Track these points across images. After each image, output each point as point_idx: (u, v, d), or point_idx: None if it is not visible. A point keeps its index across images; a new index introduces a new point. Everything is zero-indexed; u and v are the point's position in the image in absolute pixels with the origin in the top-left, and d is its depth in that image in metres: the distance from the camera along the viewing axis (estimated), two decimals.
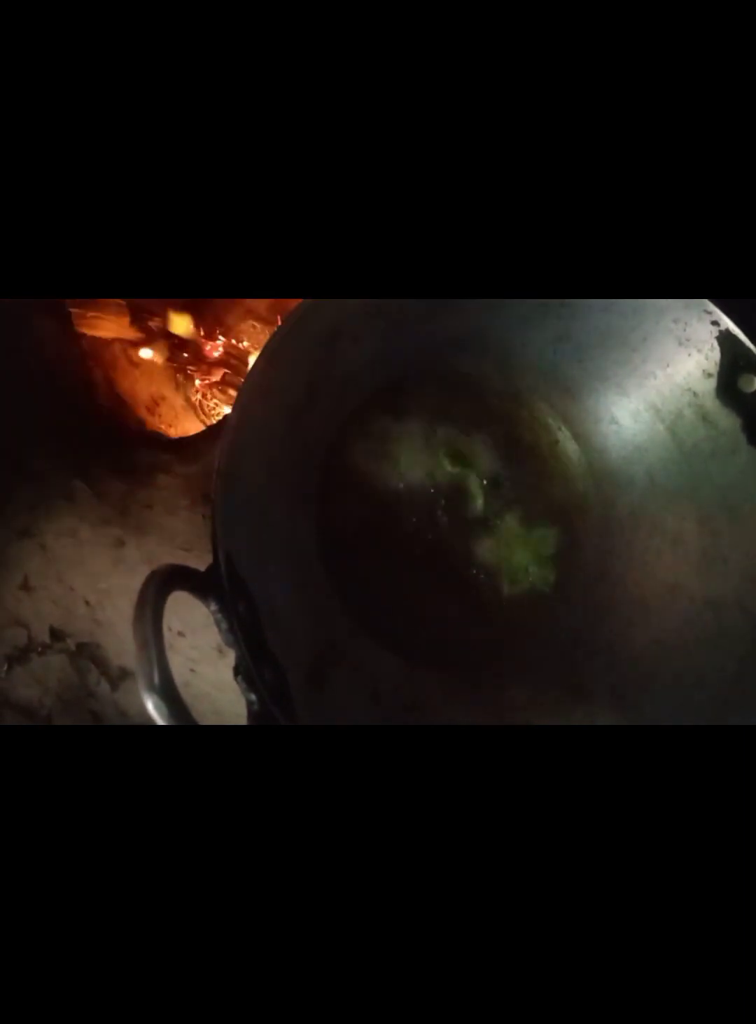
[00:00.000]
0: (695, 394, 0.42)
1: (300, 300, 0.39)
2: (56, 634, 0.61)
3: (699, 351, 0.41)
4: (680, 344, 0.41)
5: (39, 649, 0.60)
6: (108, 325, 0.79)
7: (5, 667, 0.60)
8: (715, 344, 0.40)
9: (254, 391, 0.39)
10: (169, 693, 0.29)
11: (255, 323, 0.93)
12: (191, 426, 0.94)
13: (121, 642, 0.60)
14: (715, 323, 0.39)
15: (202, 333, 0.93)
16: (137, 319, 0.83)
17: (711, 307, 0.39)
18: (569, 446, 0.50)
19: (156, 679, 0.28)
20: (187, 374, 0.96)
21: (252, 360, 0.40)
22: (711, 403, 0.41)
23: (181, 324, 0.89)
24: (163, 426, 0.88)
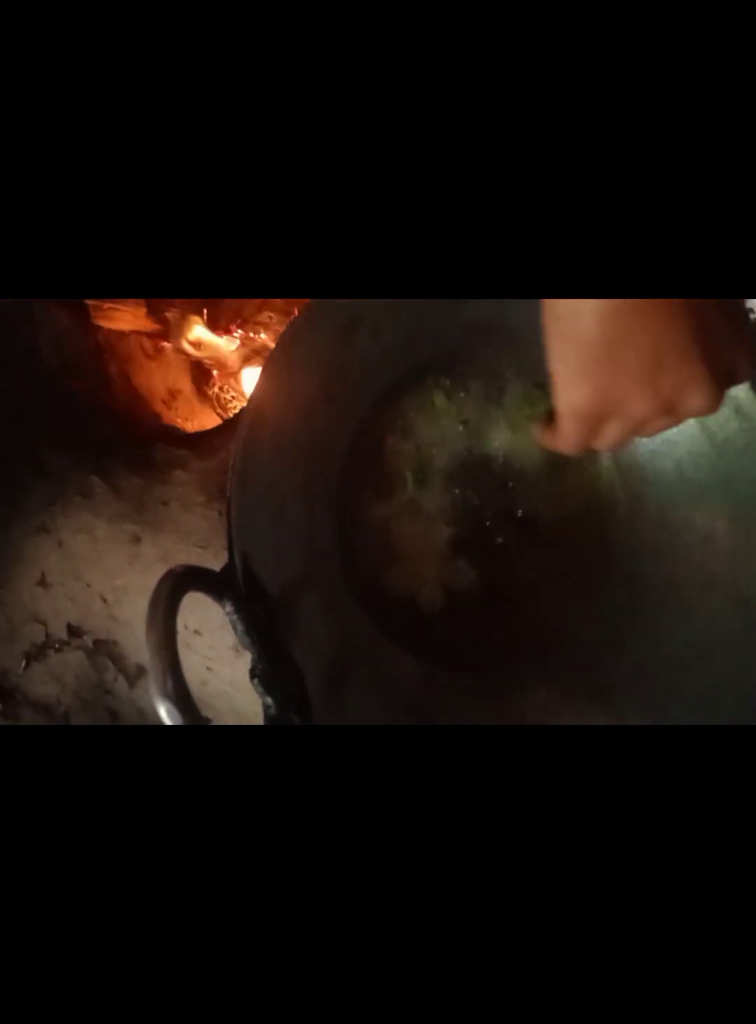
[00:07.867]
0: None
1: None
2: (73, 631, 0.61)
3: None
4: None
5: (57, 646, 0.60)
6: (124, 318, 0.78)
7: (23, 664, 0.60)
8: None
9: (270, 385, 0.38)
10: (182, 699, 0.28)
11: (271, 314, 0.92)
12: (208, 420, 0.94)
13: (138, 639, 0.60)
14: (749, 310, 0.37)
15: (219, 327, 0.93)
16: (153, 311, 0.82)
17: None
18: None
19: (169, 685, 0.28)
20: (203, 367, 0.95)
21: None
22: (745, 395, 0.40)
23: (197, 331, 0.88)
24: (179, 420, 0.87)
